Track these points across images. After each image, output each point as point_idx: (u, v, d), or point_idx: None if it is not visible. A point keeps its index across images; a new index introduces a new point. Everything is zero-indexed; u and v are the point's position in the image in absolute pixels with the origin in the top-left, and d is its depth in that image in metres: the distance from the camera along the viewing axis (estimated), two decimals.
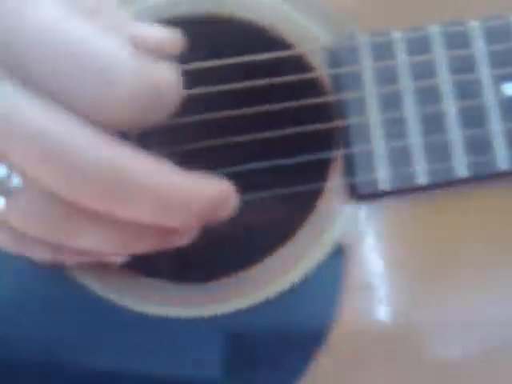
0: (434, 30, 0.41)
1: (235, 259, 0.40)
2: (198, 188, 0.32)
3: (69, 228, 0.33)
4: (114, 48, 0.30)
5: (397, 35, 0.41)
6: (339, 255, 0.39)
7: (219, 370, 0.39)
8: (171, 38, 0.34)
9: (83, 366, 0.39)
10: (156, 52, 0.32)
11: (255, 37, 0.44)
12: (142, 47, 0.32)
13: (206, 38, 0.45)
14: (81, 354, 0.39)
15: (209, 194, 0.33)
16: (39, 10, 0.30)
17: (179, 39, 0.34)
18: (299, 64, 0.43)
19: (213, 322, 0.39)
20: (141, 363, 0.39)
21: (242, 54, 0.42)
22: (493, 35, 0.40)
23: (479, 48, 0.40)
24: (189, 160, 0.53)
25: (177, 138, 0.45)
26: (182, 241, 0.36)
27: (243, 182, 0.41)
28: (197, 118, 0.41)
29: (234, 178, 0.40)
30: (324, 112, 0.42)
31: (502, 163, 0.39)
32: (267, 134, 0.41)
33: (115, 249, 0.34)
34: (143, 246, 0.35)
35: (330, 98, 0.41)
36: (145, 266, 0.41)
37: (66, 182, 0.30)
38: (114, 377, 0.39)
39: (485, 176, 0.39)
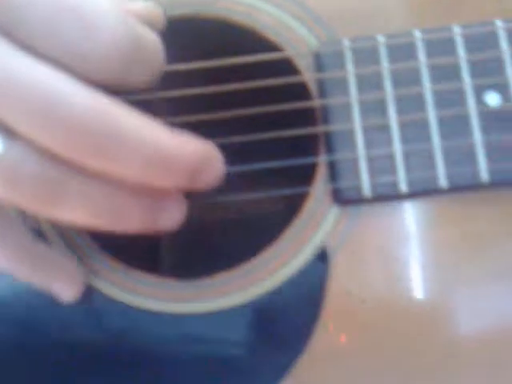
0: (418, 36, 0.41)
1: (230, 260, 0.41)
2: (183, 145, 0.33)
3: (57, 190, 0.32)
4: None
5: (381, 41, 0.41)
6: (323, 258, 0.40)
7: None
8: (157, 12, 0.37)
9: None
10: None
11: (245, 40, 0.44)
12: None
13: (194, 40, 0.45)
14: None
15: (194, 150, 0.34)
16: None
17: (162, 15, 0.37)
18: (287, 68, 0.43)
19: (192, 320, 0.40)
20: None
21: (230, 56, 0.42)
22: (475, 43, 0.41)
23: (462, 56, 0.41)
24: None
25: None
26: (172, 219, 0.36)
27: (229, 184, 0.42)
28: (182, 119, 0.41)
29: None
30: (310, 116, 0.43)
31: (484, 174, 0.40)
32: (251, 137, 0.41)
33: (103, 220, 0.34)
34: (133, 221, 0.35)
35: (313, 103, 0.42)
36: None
37: (54, 134, 0.31)
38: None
39: (465, 188, 0.40)
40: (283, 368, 0.39)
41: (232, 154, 0.42)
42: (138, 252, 0.46)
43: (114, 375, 0.41)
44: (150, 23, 0.35)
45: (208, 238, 0.58)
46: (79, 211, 0.33)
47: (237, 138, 0.41)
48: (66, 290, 0.39)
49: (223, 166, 0.36)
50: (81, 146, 0.31)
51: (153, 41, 0.34)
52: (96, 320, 0.41)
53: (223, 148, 0.39)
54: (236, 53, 0.42)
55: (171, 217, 0.36)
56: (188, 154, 0.33)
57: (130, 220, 0.35)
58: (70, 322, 0.41)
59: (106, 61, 0.32)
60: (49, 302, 0.39)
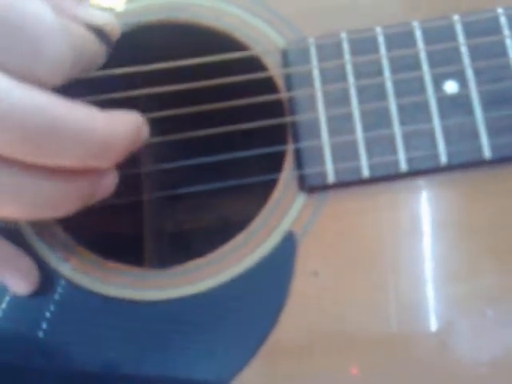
0: (378, 31, 0.43)
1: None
2: (117, 127, 0.35)
3: None
4: (40, 11, 0.33)
5: (343, 36, 0.44)
6: (290, 243, 0.41)
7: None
8: (112, 21, 0.38)
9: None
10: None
11: (215, 42, 0.46)
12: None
13: (164, 43, 0.48)
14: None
15: (126, 129, 0.36)
16: None
17: (117, 25, 0.39)
18: (255, 65, 0.45)
19: (164, 306, 0.42)
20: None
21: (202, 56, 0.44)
22: (434, 35, 0.43)
23: (421, 48, 0.43)
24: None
25: None
26: (107, 188, 0.38)
27: (201, 174, 0.44)
28: (156, 115, 0.43)
29: (194, 169, 0.43)
30: (278, 110, 0.45)
31: (443, 157, 0.41)
32: (224, 129, 0.43)
33: (41, 210, 0.35)
34: (72, 203, 0.36)
35: (281, 96, 0.44)
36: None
37: None
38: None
39: (423, 171, 0.41)
40: (251, 349, 0.40)
41: (202, 146, 0.44)
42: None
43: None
44: (102, 31, 0.38)
45: (191, 246, 0.59)
46: (14, 205, 0.34)
47: (208, 131, 0.43)
48: (18, 285, 0.40)
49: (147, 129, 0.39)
50: (18, 141, 0.32)
51: (92, 44, 0.37)
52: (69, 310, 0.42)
53: (193, 141, 0.41)
54: (207, 54, 0.44)
55: (106, 186, 0.38)
56: (122, 136, 0.36)
57: (68, 204, 0.36)
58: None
59: (51, 72, 0.33)
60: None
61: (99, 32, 0.38)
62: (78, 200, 0.36)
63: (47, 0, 0.34)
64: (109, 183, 0.38)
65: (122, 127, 0.36)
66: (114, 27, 0.39)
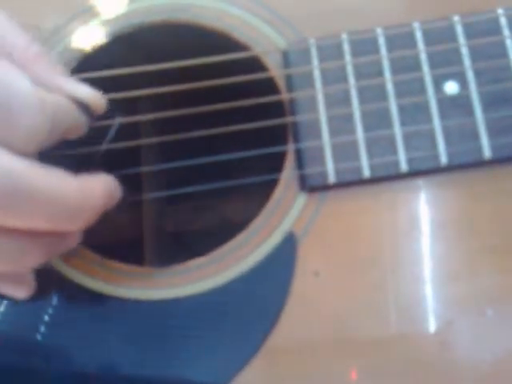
0: (379, 32, 0.44)
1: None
2: (88, 194, 0.36)
3: None
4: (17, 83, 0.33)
5: (344, 37, 0.44)
6: (291, 243, 0.42)
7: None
8: (97, 97, 0.39)
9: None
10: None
11: (216, 42, 0.46)
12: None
13: (166, 44, 0.48)
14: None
15: (97, 196, 0.37)
16: None
17: (103, 100, 0.40)
18: (256, 65, 0.46)
19: (166, 306, 0.42)
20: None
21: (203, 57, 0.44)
22: (434, 36, 0.43)
23: (421, 49, 0.43)
24: (151, 154, 0.56)
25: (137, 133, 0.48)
26: (71, 244, 0.39)
27: (202, 174, 0.44)
28: (157, 115, 0.44)
29: (195, 169, 0.43)
30: (279, 111, 0.45)
31: (443, 158, 0.41)
32: (224, 129, 0.43)
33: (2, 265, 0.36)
34: (34, 259, 0.36)
35: (282, 97, 0.44)
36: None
37: None
38: None
39: (423, 172, 0.41)
40: (252, 349, 0.40)
41: (203, 147, 0.44)
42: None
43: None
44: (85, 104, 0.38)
45: (191, 246, 0.60)
46: None
47: (209, 132, 0.43)
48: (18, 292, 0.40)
49: (120, 191, 0.39)
50: None
51: (72, 116, 0.37)
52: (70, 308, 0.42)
53: (193, 141, 0.41)
54: (208, 54, 0.44)
55: (69, 244, 0.38)
56: (93, 202, 0.36)
57: (30, 259, 0.36)
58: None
59: (26, 142, 0.34)
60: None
61: (82, 105, 0.38)
62: (39, 255, 0.36)
63: (29, 70, 0.35)
64: (73, 241, 0.39)
65: (94, 193, 0.36)
66: (98, 102, 0.39)
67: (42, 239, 0.36)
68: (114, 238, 0.54)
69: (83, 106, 0.38)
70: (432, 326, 0.40)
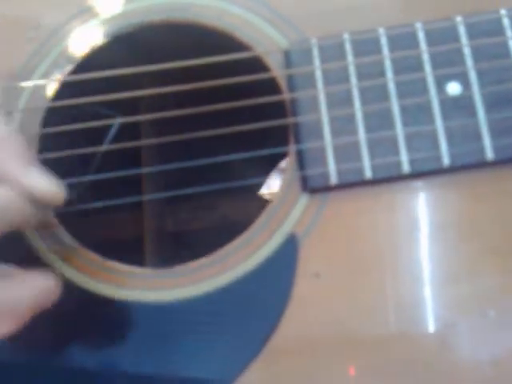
0: (381, 32, 0.43)
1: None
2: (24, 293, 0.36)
3: None
4: None
5: (346, 37, 0.43)
6: (292, 244, 0.41)
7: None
8: (55, 192, 0.38)
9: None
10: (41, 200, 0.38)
11: (217, 42, 0.46)
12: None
13: (166, 44, 0.47)
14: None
15: (29, 296, 0.37)
16: None
17: (62, 193, 0.39)
18: (257, 65, 0.45)
19: (166, 308, 0.41)
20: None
21: (203, 57, 0.44)
22: (437, 37, 0.43)
23: (424, 49, 0.43)
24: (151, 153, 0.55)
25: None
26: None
27: (203, 174, 0.44)
28: (158, 115, 0.43)
29: (195, 169, 0.42)
30: (280, 111, 0.44)
31: (446, 159, 0.41)
32: (225, 130, 0.43)
33: None
34: None
35: (283, 97, 0.44)
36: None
37: None
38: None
39: (426, 173, 0.41)
40: (253, 351, 0.40)
41: (204, 147, 0.44)
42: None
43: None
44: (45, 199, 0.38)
45: (191, 246, 0.59)
46: None
47: (210, 132, 0.43)
48: None
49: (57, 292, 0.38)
50: None
51: (21, 210, 0.37)
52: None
53: (194, 141, 0.41)
54: (209, 54, 0.44)
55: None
56: (25, 302, 0.36)
57: None
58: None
59: None
60: None
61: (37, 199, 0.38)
62: None
63: None
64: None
65: (21, 297, 0.36)
66: (56, 196, 0.39)
67: None
68: (115, 238, 0.54)
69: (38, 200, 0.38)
70: (433, 327, 0.40)
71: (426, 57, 0.43)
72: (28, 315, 0.37)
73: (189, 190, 0.44)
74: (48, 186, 0.38)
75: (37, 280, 0.38)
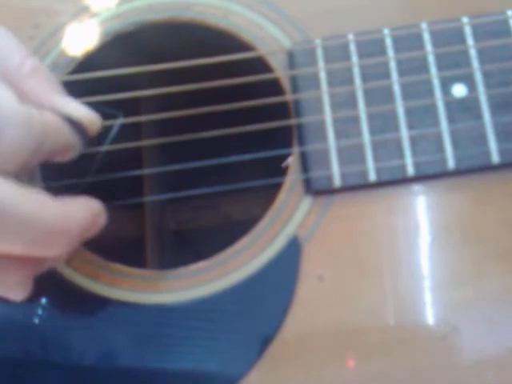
0: (386, 33, 0.43)
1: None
2: (67, 217, 0.34)
3: None
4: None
5: (351, 38, 0.43)
6: (295, 247, 0.41)
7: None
8: (92, 119, 0.38)
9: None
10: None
11: (221, 41, 0.46)
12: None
13: (169, 43, 0.47)
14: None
15: (77, 220, 0.35)
16: None
17: (98, 121, 0.39)
18: (261, 66, 0.45)
19: (167, 311, 0.41)
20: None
21: (207, 57, 0.44)
22: (442, 38, 0.42)
23: (429, 50, 0.42)
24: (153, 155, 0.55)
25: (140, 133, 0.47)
26: (51, 264, 0.38)
27: (205, 175, 0.44)
28: (160, 116, 0.43)
29: (197, 170, 0.42)
30: (283, 112, 0.44)
31: (451, 162, 0.41)
32: (228, 131, 0.43)
33: None
34: (11, 285, 0.36)
35: (287, 98, 0.43)
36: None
37: None
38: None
39: (430, 176, 0.41)
40: (257, 352, 0.40)
41: (206, 148, 0.43)
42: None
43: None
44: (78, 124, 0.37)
45: (193, 246, 0.59)
46: None
47: (213, 133, 0.42)
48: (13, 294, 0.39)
49: (105, 217, 0.38)
50: None
51: (62, 135, 0.36)
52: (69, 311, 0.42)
53: (196, 142, 0.40)
54: (211, 54, 0.44)
55: (53, 264, 0.38)
56: (73, 226, 0.35)
57: (11, 278, 0.36)
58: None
59: (5, 160, 0.33)
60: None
61: (75, 124, 0.37)
62: (20, 276, 0.36)
63: (22, 87, 0.35)
64: (52, 261, 0.38)
65: (74, 218, 0.35)
66: (93, 122, 0.38)
67: (21, 261, 0.35)
68: (116, 238, 0.54)
69: (77, 127, 0.37)
70: (436, 330, 0.39)
71: (431, 58, 0.42)
72: (78, 238, 0.36)
73: (191, 192, 0.43)
74: (85, 113, 0.38)
75: (88, 200, 0.37)
